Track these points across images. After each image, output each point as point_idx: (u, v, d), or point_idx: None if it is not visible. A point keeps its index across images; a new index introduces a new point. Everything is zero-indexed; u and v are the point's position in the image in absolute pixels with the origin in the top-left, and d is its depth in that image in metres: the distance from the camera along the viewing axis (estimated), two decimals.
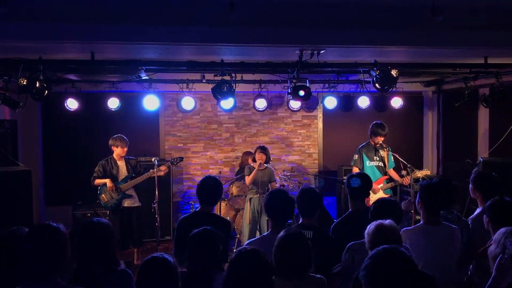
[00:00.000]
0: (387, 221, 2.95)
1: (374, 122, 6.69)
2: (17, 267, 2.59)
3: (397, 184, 6.62)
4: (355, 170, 6.60)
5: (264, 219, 6.45)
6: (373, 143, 6.65)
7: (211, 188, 4.01)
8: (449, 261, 3.43)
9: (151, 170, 6.57)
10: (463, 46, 5.25)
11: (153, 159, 6.68)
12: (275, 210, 3.61)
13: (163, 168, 6.61)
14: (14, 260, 2.62)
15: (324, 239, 3.62)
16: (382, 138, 6.58)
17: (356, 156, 6.69)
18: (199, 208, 4.08)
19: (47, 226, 2.64)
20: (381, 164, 6.61)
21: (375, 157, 6.63)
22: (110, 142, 6.62)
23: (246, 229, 6.66)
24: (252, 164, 6.88)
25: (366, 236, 2.95)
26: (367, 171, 6.42)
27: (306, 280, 2.86)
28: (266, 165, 6.76)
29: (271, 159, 8.54)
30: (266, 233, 3.65)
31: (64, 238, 2.62)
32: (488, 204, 3.49)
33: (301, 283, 2.84)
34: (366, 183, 4.12)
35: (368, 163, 6.61)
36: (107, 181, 6.47)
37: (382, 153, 6.60)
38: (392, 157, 6.69)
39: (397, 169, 6.72)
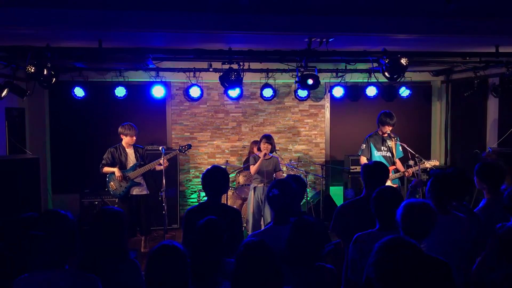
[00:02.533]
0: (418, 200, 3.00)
1: (382, 111, 6.63)
2: (28, 253, 2.59)
3: (403, 174, 6.60)
4: (363, 159, 6.60)
5: (268, 208, 6.44)
6: (381, 133, 6.60)
7: (217, 179, 3.92)
8: (458, 250, 3.41)
9: (155, 161, 6.56)
10: (474, 34, 5.18)
11: (160, 148, 6.67)
12: (276, 202, 3.59)
13: (164, 158, 6.52)
14: (26, 247, 2.63)
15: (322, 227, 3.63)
16: (390, 128, 6.52)
17: (363, 146, 6.66)
18: (206, 199, 4.03)
19: (56, 213, 2.64)
20: (388, 154, 6.57)
21: (382, 147, 6.59)
22: (120, 130, 6.63)
23: (250, 218, 6.66)
24: (257, 154, 6.84)
25: (400, 222, 2.97)
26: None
27: (315, 270, 2.88)
28: (271, 154, 6.73)
29: (278, 148, 8.54)
30: (268, 225, 3.63)
31: (73, 225, 2.63)
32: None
33: (310, 271, 2.86)
34: (384, 171, 4.10)
35: (376, 153, 6.58)
36: (116, 170, 6.49)
37: (390, 143, 6.56)
38: (400, 147, 6.65)
39: (405, 159, 6.69)
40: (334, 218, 3.95)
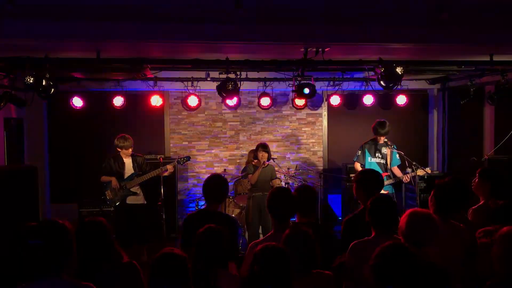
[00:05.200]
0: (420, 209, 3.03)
1: (377, 120, 6.75)
2: (26, 262, 2.61)
3: (397, 181, 6.67)
4: (357, 165, 6.76)
5: (269, 217, 6.46)
6: (376, 140, 6.71)
7: (216, 186, 3.98)
8: (456, 259, 3.43)
9: (158, 169, 6.61)
10: (468, 43, 5.23)
11: (158, 157, 6.71)
12: (278, 209, 3.62)
13: (169, 167, 6.64)
14: (23, 256, 2.64)
15: (323, 235, 3.64)
16: (383, 137, 6.66)
17: (359, 152, 6.82)
18: (205, 206, 4.07)
19: (54, 223, 2.66)
20: (382, 161, 6.70)
21: (377, 154, 6.72)
22: (115, 142, 6.63)
23: (249, 227, 6.68)
24: (254, 162, 6.88)
25: (404, 230, 2.99)
26: (369, 167, 6.53)
27: (313, 277, 2.90)
28: (268, 162, 6.80)
29: (276, 156, 8.57)
30: (270, 233, 3.66)
31: (70, 234, 2.64)
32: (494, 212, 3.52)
33: (308, 279, 2.87)
34: (379, 181, 4.12)
35: (369, 159, 6.72)
36: (113, 179, 6.51)
37: (385, 150, 6.67)
38: (397, 155, 6.71)
39: (402, 166, 6.74)
40: (343, 232, 3.93)
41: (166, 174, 6.66)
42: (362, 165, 6.68)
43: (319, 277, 2.92)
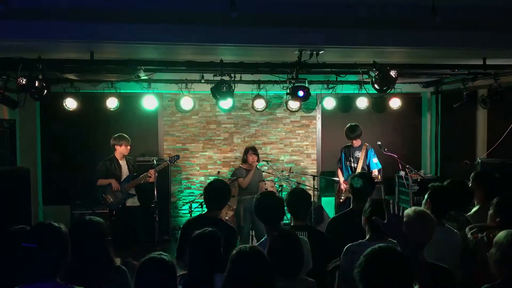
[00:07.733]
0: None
1: (349, 124, 7.08)
2: (19, 266, 2.58)
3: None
4: (338, 170, 7.20)
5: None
6: (351, 144, 7.09)
7: (217, 192, 3.94)
8: (448, 261, 3.43)
9: (145, 174, 6.56)
10: (462, 47, 5.26)
11: (152, 159, 6.68)
12: (264, 214, 3.61)
13: (151, 172, 6.56)
14: (17, 259, 2.61)
15: (319, 238, 3.64)
16: (354, 140, 6.97)
17: (339, 156, 7.21)
18: (206, 211, 4.04)
19: (48, 226, 2.63)
20: (354, 165, 6.95)
21: (350, 158, 7.04)
22: (112, 141, 6.58)
23: (241, 231, 6.69)
24: (242, 166, 6.91)
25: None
26: (344, 171, 7.01)
27: (298, 281, 2.90)
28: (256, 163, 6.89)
29: (270, 159, 8.58)
30: (263, 239, 3.65)
31: (65, 238, 2.61)
32: (498, 203, 3.52)
33: (293, 282, 2.87)
34: (368, 183, 4.13)
35: (345, 163, 7.11)
36: (112, 181, 6.44)
37: (359, 154, 6.94)
38: (374, 159, 6.92)
39: (396, 169, 6.78)
40: (327, 231, 3.97)
41: (151, 180, 6.60)
42: (341, 168, 7.14)
43: (303, 282, 2.92)
